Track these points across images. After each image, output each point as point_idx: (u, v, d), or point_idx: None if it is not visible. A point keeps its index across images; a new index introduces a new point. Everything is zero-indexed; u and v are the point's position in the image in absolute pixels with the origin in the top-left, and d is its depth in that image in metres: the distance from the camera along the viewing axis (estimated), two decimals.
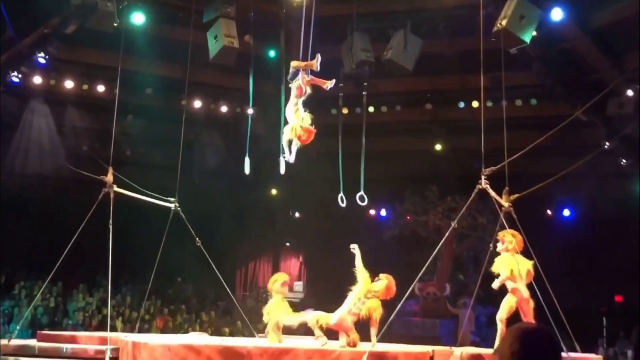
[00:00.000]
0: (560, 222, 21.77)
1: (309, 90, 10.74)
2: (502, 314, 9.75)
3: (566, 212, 21.89)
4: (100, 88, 19.36)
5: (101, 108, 18.79)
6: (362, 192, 15.34)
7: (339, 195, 15.02)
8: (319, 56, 10.67)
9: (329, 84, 11.06)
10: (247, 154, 14.06)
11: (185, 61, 14.65)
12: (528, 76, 17.53)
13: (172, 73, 19.25)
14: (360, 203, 15.32)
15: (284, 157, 11.10)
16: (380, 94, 19.25)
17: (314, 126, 10.63)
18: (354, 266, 10.48)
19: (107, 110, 15.81)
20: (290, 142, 10.82)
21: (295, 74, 10.73)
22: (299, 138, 10.57)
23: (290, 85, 10.81)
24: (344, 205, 14.89)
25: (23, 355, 10.53)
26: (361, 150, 16.06)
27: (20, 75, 17.25)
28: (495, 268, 9.85)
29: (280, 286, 11.02)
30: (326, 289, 22.68)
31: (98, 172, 11.74)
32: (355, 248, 10.53)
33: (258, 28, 16.61)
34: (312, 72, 10.92)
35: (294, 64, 10.99)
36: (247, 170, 14.10)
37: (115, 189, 11.35)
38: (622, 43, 16.52)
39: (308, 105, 10.43)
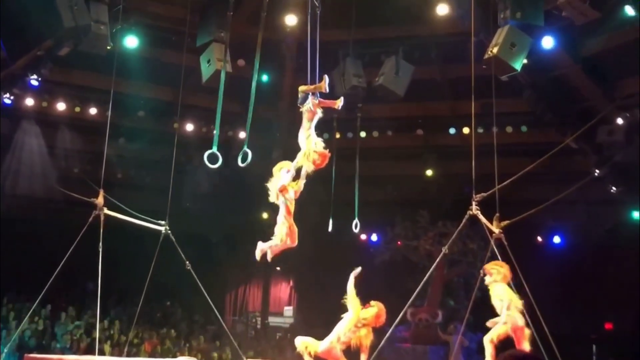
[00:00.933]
0: (550, 249, 21.81)
1: (320, 114, 10.75)
2: (492, 336, 9.72)
3: (556, 239, 21.93)
4: (93, 110, 19.36)
5: (93, 130, 18.78)
6: (356, 220, 15.30)
7: (329, 221, 14.98)
8: (326, 78, 10.68)
9: (339, 104, 11.08)
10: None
11: (177, 84, 14.68)
12: (519, 103, 17.63)
13: (165, 96, 19.30)
14: (354, 230, 15.28)
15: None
16: (372, 119, 19.31)
17: (328, 150, 10.64)
18: (345, 291, 10.44)
19: (99, 132, 15.81)
20: (300, 169, 10.77)
21: (305, 99, 10.74)
22: (314, 162, 10.54)
23: (300, 109, 10.80)
24: (330, 230, 14.84)
25: None
26: (355, 175, 16.04)
27: (12, 97, 17.24)
28: (494, 299, 9.84)
29: None
30: (316, 313, 22.63)
31: (89, 194, 11.70)
32: (356, 272, 10.46)
33: (251, 53, 16.68)
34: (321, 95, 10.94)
35: (302, 88, 10.99)
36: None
37: (106, 211, 11.31)
38: (613, 71, 16.67)
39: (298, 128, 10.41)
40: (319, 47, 11.25)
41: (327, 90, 10.86)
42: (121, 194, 12.84)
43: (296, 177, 10.59)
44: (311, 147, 10.43)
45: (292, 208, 10.52)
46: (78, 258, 11.26)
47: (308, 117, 10.64)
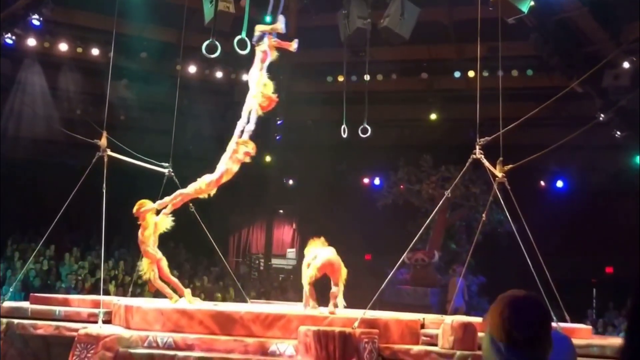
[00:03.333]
0: (553, 194, 21.84)
1: (274, 55, 10.85)
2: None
3: (559, 184, 21.95)
4: (95, 51, 19.23)
5: (95, 71, 18.68)
6: (365, 124, 15.14)
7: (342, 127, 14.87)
8: (282, 17, 10.70)
9: (293, 45, 11.13)
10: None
11: (180, 25, 14.53)
12: (525, 46, 17.47)
13: (167, 37, 19.14)
14: (362, 135, 15.14)
15: (248, 126, 11.10)
16: (376, 62, 19.15)
17: (276, 95, 10.77)
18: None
19: (101, 73, 15.72)
20: (250, 112, 10.90)
21: (261, 38, 10.76)
22: (260, 105, 10.68)
23: (255, 48, 10.89)
24: (345, 135, 14.75)
25: (16, 318, 10.56)
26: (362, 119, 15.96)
27: (14, 37, 17.11)
28: None
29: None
30: None
31: (92, 136, 11.68)
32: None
33: None
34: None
35: (259, 27, 11.00)
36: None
37: (109, 153, 11.30)
38: (620, 14, 16.44)
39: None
40: None
41: (284, 31, 10.90)
42: (124, 136, 12.83)
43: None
44: (260, 89, 10.52)
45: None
46: (82, 200, 11.30)
47: (262, 57, 10.68)
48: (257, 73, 10.82)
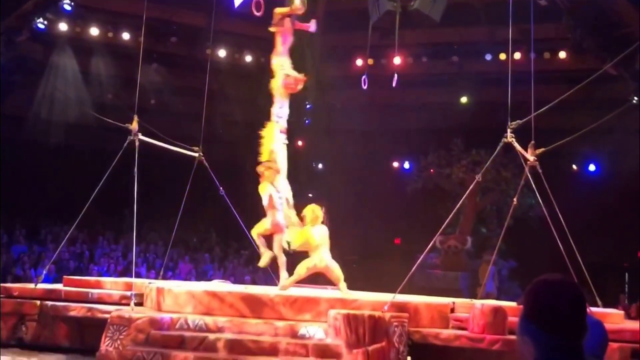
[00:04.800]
0: (585, 177, 21.62)
1: (292, 38, 10.90)
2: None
3: (592, 167, 21.71)
4: (125, 36, 19.34)
5: (126, 56, 18.78)
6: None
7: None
8: None
9: (312, 26, 11.12)
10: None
11: (210, 10, 14.55)
12: (557, 28, 17.25)
13: (197, 22, 19.18)
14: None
15: (274, 109, 11.08)
16: (406, 44, 19.04)
17: (303, 74, 10.78)
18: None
19: (132, 58, 15.80)
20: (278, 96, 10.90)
21: (280, 21, 10.79)
22: (287, 87, 10.68)
23: (273, 30, 10.92)
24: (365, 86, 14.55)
25: (50, 300, 10.72)
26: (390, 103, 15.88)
27: (45, 22, 17.25)
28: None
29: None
30: (349, 240, 22.83)
31: (123, 120, 11.77)
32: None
33: None
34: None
35: (278, 10, 11.00)
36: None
37: (140, 137, 11.38)
38: None
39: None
40: None
41: (302, 11, 10.89)
42: (155, 120, 12.92)
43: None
44: (283, 72, 10.51)
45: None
46: (114, 183, 11.41)
47: (282, 40, 10.68)
48: (279, 56, 10.84)
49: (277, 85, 10.87)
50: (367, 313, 9.12)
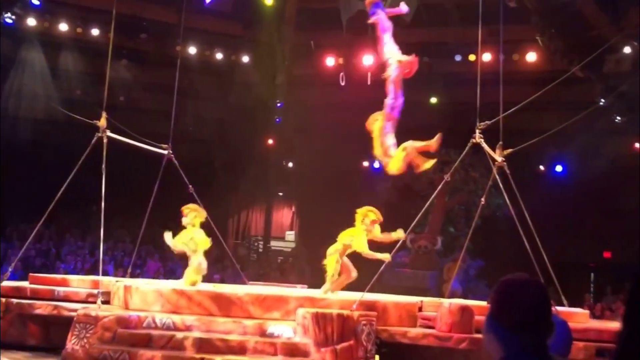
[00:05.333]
0: (552, 178, 21.83)
1: (390, 23, 10.87)
2: None
3: (559, 168, 21.93)
4: (95, 31, 19.14)
5: (95, 52, 18.60)
6: None
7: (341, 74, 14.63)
8: None
9: (404, 7, 11.14)
10: None
11: (181, 6, 14.46)
12: (526, 30, 17.40)
13: (168, 18, 19.05)
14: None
15: (387, 100, 10.98)
16: (377, 44, 19.08)
17: (414, 55, 10.74)
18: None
19: (101, 54, 15.66)
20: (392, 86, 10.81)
21: (375, 11, 10.79)
22: (403, 72, 10.63)
23: (371, 22, 10.89)
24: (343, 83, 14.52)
25: (16, 297, 10.60)
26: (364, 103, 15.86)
27: (13, 17, 17.04)
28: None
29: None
30: (318, 238, 22.84)
31: (92, 116, 11.66)
32: None
33: None
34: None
35: (368, 0, 11.01)
36: None
37: (109, 134, 11.29)
38: (622, 0, 16.39)
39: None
40: None
41: None
42: (124, 117, 12.81)
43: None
44: (395, 59, 10.46)
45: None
46: (82, 180, 11.30)
47: (381, 29, 10.70)
48: (385, 46, 10.83)
49: (392, 74, 10.75)
50: (335, 312, 9.15)
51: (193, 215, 10.94)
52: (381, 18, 10.75)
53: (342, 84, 13.28)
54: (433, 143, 10.47)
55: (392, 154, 10.51)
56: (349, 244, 10.44)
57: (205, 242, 10.87)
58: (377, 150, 10.73)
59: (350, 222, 10.91)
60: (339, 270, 10.49)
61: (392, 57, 10.67)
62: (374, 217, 10.54)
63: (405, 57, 10.63)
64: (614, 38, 16.10)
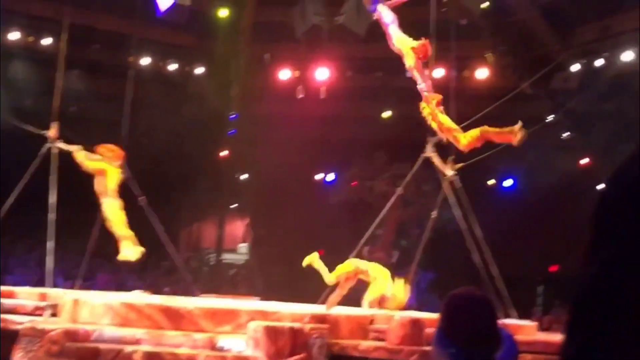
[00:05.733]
0: (502, 192, 22.14)
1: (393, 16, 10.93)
2: None
3: (508, 183, 22.25)
4: (47, 41, 18.88)
5: (47, 61, 18.36)
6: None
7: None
8: None
9: None
10: None
11: (134, 17, 14.38)
12: (477, 47, 17.67)
13: (121, 28, 18.90)
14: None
15: (419, 86, 10.96)
16: (332, 58, 19.22)
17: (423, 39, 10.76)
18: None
19: (53, 64, 15.47)
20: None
21: (374, 8, 10.84)
22: (418, 56, 10.63)
23: (374, 17, 10.93)
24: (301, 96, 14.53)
25: None
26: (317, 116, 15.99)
27: None
28: None
29: None
30: (271, 251, 22.81)
31: (42, 126, 11.51)
32: None
33: None
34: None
35: None
36: None
37: (59, 144, 11.15)
38: (571, 18, 16.76)
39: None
40: None
41: None
42: (75, 127, 12.68)
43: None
44: (407, 46, 10.48)
45: None
46: (31, 191, 11.15)
47: (386, 22, 10.76)
48: (394, 36, 10.85)
49: (411, 62, 10.71)
50: (287, 325, 9.14)
51: (109, 155, 10.99)
52: (382, 12, 10.85)
53: (300, 96, 13.31)
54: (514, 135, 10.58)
55: (458, 129, 10.56)
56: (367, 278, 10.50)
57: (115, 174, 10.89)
58: (441, 133, 10.75)
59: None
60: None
61: (403, 46, 10.76)
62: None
63: (415, 43, 10.72)
64: (562, 56, 16.47)
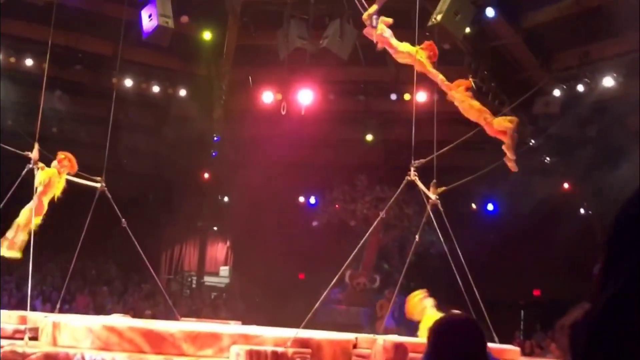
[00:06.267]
0: (484, 216, 22.25)
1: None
2: None
3: (490, 207, 22.37)
4: (29, 61, 18.83)
5: (29, 82, 18.30)
6: None
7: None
8: None
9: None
10: None
11: (117, 38, 14.35)
12: (459, 71, 17.79)
13: (104, 50, 18.90)
14: None
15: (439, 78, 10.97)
16: (315, 81, 19.29)
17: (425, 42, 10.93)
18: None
19: (35, 84, 15.41)
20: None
21: (375, 21, 10.98)
22: (429, 57, 10.75)
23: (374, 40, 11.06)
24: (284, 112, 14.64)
25: None
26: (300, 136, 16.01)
27: None
28: None
29: None
30: (252, 274, 22.71)
31: (23, 148, 11.42)
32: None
33: (195, 9, 16.44)
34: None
35: (365, 16, 11.21)
36: None
37: (40, 165, 11.07)
38: (552, 44, 16.95)
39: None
40: (263, 7, 11.24)
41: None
42: (56, 148, 12.57)
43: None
44: (412, 48, 10.62)
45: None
46: (12, 213, 11.04)
47: (384, 38, 10.90)
48: (399, 46, 10.94)
49: (424, 59, 10.87)
50: (270, 349, 9.07)
51: (66, 163, 11.04)
52: (382, 27, 11.04)
53: (283, 112, 13.33)
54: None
55: (489, 112, 10.98)
56: None
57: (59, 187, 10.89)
58: (471, 116, 11.11)
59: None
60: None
61: (411, 49, 10.92)
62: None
63: (412, 49, 10.93)
64: (543, 81, 16.63)
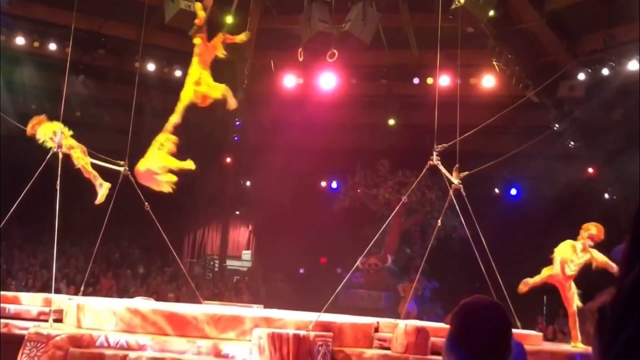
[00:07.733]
0: (507, 201, 22.13)
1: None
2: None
3: (513, 192, 22.24)
4: (52, 46, 18.92)
5: (52, 67, 18.40)
6: None
7: None
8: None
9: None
10: None
11: (140, 22, 14.38)
12: (483, 55, 17.67)
13: (127, 34, 18.94)
14: None
15: None
16: (337, 66, 19.21)
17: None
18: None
19: (58, 69, 15.50)
20: None
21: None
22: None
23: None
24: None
25: None
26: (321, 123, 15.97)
27: None
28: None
29: None
30: (274, 258, 22.80)
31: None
32: None
33: None
34: None
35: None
36: None
37: (64, 149, 11.14)
38: (577, 27, 16.76)
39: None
40: None
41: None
42: (80, 132, 12.65)
43: None
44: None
45: None
46: (35, 196, 11.13)
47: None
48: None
49: None
50: (291, 332, 9.10)
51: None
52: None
53: (300, 59, 13.28)
54: None
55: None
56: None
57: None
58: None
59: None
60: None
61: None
62: (594, 231, 10.66)
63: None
64: (568, 65, 16.45)
